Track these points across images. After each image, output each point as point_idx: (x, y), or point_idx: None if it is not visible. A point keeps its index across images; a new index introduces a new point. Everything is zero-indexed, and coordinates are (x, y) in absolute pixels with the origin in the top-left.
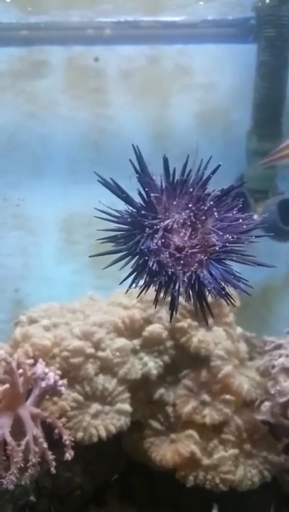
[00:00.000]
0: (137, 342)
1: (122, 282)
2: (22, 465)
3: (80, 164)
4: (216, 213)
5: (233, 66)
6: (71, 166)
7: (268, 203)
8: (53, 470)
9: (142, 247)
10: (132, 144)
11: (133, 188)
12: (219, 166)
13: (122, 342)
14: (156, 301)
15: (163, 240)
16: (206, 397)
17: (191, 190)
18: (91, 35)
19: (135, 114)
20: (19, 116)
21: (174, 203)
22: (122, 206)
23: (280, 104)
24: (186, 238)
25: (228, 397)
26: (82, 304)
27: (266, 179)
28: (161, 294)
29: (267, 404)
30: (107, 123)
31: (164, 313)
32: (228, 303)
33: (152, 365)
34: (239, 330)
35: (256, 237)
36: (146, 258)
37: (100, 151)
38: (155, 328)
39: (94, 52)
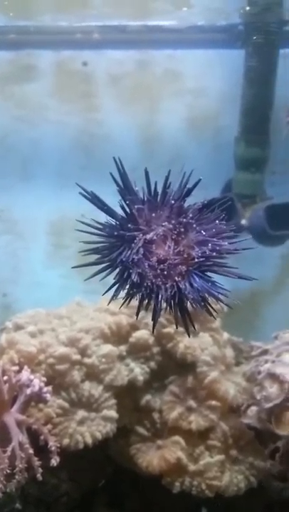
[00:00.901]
0: (123, 348)
1: (104, 293)
2: (8, 471)
3: (70, 168)
4: (197, 226)
5: (223, 71)
6: (61, 170)
7: (255, 208)
8: (39, 476)
9: (124, 259)
10: (113, 157)
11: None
12: (200, 180)
13: (108, 348)
14: (138, 312)
15: (144, 252)
16: (192, 403)
17: (173, 202)
18: (80, 40)
19: (125, 118)
20: (8, 121)
21: (156, 215)
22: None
23: (267, 110)
24: (167, 250)
25: (214, 403)
26: (69, 310)
27: (254, 184)
28: (143, 305)
29: (254, 408)
30: (96, 127)
31: (150, 319)
32: (210, 314)
33: (139, 371)
34: (226, 335)
35: (239, 250)
36: (128, 270)
37: (89, 155)
38: (142, 334)
39: (83, 57)
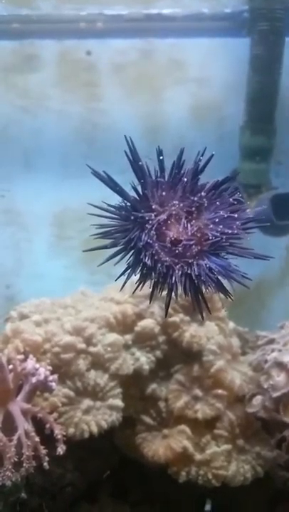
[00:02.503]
0: (129, 337)
1: (118, 278)
2: (16, 460)
3: (73, 158)
4: (211, 205)
5: (227, 60)
6: (63, 161)
7: (261, 197)
8: (46, 465)
9: (136, 242)
10: (125, 136)
11: (126, 183)
12: (212, 155)
13: (113, 337)
14: (151, 296)
15: (157, 234)
16: (198, 392)
17: (186, 182)
18: (83, 29)
19: (128, 108)
20: (11, 111)
21: (169, 195)
22: (114, 201)
23: (273, 99)
24: (181, 231)
25: (220, 391)
26: (74, 300)
27: (259, 174)
28: (157, 289)
29: (259, 397)
30: (99, 117)
31: (156, 308)
32: (226, 296)
33: (144, 360)
34: (232, 325)
35: (252, 228)
36: (141, 252)
37: (92, 145)
38: (147, 323)
39: (86, 46)
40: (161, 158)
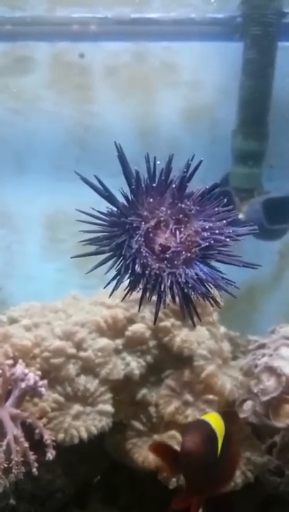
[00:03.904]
0: (119, 342)
1: (106, 286)
2: (5, 465)
3: (65, 161)
4: (200, 213)
5: (220, 64)
6: (56, 163)
7: (252, 202)
8: (35, 471)
9: (125, 248)
10: (115, 142)
11: (118, 186)
12: (201, 161)
13: (104, 342)
14: (141, 302)
15: (146, 241)
16: (188, 397)
17: (175, 188)
18: (76, 31)
19: (121, 110)
20: (3, 113)
21: (158, 202)
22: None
23: (265, 103)
24: (170, 238)
25: (211, 397)
26: (65, 304)
27: (251, 178)
28: (146, 295)
29: (249, 403)
30: (92, 120)
31: (147, 312)
32: (212, 304)
33: (135, 365)
34: (223, 329)
35: (241, 235)
36: (130, 259)
37: (85, 147)
38: (138, 328)
39: (79, 49)
40: (150, 164)
